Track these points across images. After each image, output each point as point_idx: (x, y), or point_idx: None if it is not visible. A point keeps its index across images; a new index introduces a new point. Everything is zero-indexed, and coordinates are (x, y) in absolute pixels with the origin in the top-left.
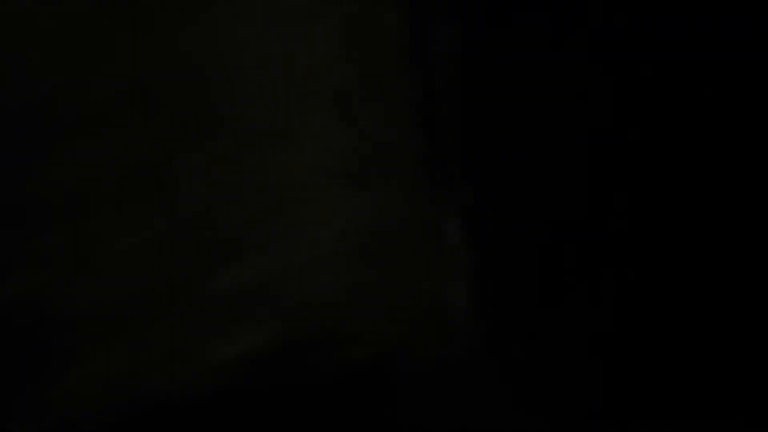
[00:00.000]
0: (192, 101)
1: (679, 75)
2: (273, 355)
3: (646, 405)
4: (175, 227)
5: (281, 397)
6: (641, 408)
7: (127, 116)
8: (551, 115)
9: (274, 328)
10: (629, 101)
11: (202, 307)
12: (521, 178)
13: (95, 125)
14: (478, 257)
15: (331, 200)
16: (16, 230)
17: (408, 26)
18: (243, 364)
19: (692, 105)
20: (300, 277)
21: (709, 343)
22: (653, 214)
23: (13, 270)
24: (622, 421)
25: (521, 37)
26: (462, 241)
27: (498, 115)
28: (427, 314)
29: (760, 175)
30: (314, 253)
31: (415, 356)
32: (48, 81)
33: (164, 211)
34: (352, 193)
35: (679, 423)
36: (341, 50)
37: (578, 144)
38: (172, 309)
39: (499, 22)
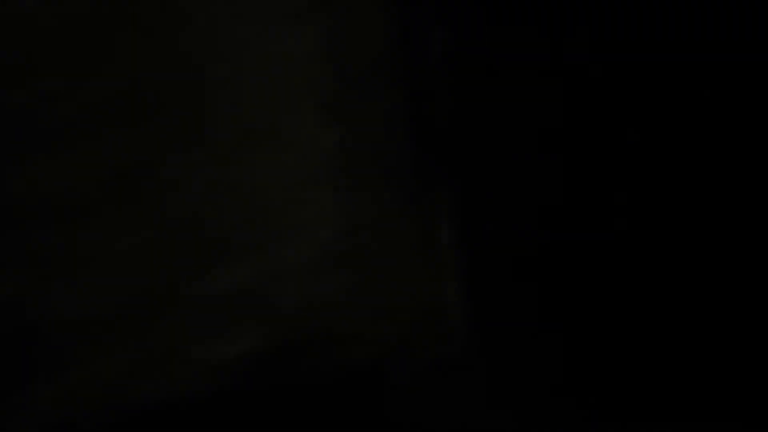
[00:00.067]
0: (183, 103)
1: (666, 73)
2: (269, 356)
3: (646, 405)
4: (170, 228)
5: (278, 398)
6: (641, 408)
7: (118, 118)
8: (539, 116)
9: (270, 329)
10: (620, 102)
11: (199, 307)
12: (511, 179)
13: (84, 128)
14: (468, 257)
15: (324, 201)
16: (11, 231)
17: (397, 27)
18: (240, 364)
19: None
20: (295, 278)
21: (709, 343)
22: (648, 212)
23: (8, 270)
24: (622, 421)
25: (512, 38)
26: (452, 242)
27: (488, 115)
28: (420, 314)
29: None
30: (308, 254)
31: (411, 356)
32: (38, 82)
33: (159, 212)
34: (344, 194)
35: (679, 423)
36: (331, 51)
37: (568, 144)
38: (168, 310)
39: (490, 24)
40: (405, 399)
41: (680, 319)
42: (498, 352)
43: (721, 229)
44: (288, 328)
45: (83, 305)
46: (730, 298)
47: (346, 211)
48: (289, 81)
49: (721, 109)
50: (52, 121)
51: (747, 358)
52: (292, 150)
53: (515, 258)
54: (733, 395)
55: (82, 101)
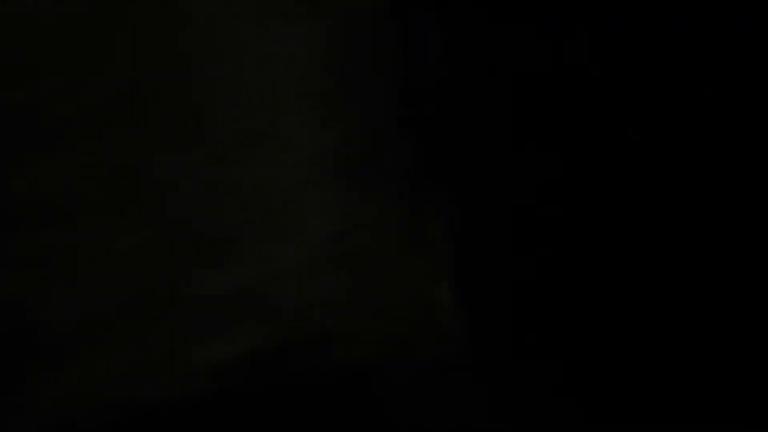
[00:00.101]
0: (182, 103)
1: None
2: (268, 356)
3: (646, 405)
4: (169, 228)
5: (277, 398)
6: (641, 408)
7: (117, 119)
8: (537, 117)
9: (269, 329)
10: (620, 102)
11: (198, 307)
12: (508, 178)
13: (82, 128)
14: (464, 257)
15: (322, 201)
16: (10, 231)
17: (396, 28)
18: (239, 364)
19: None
20: (293, 279)
21: (709, 344)
22: (647, 212)
23: (8, 270)
24: (622, 421)
25: (508, 39)
26: (448, 241)
27: (486, 116)
28: (417, 314)
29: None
30: (307, 254)
31: (409, 356)
32: (38, 82)
33: (158, 213)
34: (343, 195)
35: (679, 423)
36: (329, 51)
37: (567, 145)
38: (167, 310)
39: (490, 24)
40: (404, 399)
41: (680, 319)
42: (495, 352)
43: (721, 229)
44: (286, 328)
45: (82, 305)
46: (730, 298)
47: (345, 211)
48: (288, 81)
49: (721, 109)
50: (52, 121)
51: (747, 358)
52: (291, 150)
53: (511, 258)
54: (733, 395)
55: (82, 101)
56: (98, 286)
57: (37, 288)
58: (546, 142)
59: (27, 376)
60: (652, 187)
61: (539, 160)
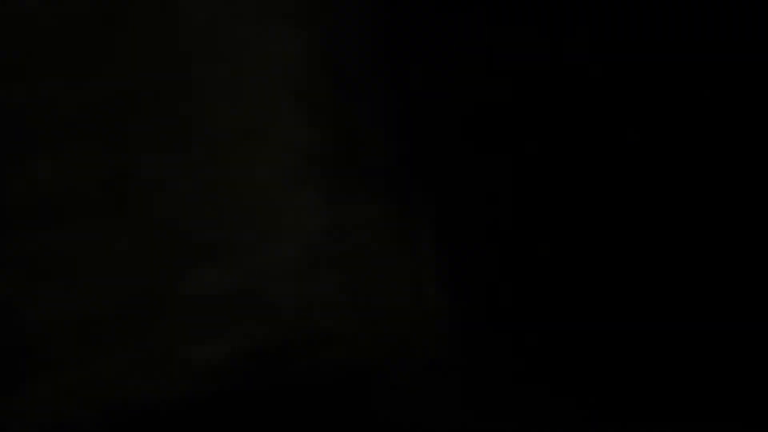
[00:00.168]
0: (174, 104)
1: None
2: (265, 356)
3: (646, 405)
4: (165, 229)
5: (275, 398)
6: (641, 408)
7: (108, 120)
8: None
9: (266, 330)
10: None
11: (195, 308)
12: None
13: (61, 133)
14: (447, 259)
15: (314, 201)
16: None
17: (382, 25)
18: (237, 364)
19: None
20: (287, 279)
21: (709, 344)
22: (647, 212)
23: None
24: (622, 421)
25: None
26: (432, 244)
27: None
28: (407, 314)
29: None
30: (302, 254)
31: (405, 357)
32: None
33: (152, 213)
34: (333, 195)
35: (679, 423)
36: (310, 52)
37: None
38: (164, 311)
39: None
40: (402, 399)
41: (680, 319)
42: (489, 351)
43: (721, 229)
44: (284, 327)
45: (80, 305)
46: (729, 298)
47: (337, 211)
48: (281, 82)
49: (721, 109)
50: (50, 121)
51: (747, 358)
52: (285, 150)
53: (500, 259)
54: (733, 395)
55: (80, 102)
56: (96, 286)
57: (34, 288)
58: (546, 142)
59: (26, 376)
60: (651, 187)
61: (538, 160)
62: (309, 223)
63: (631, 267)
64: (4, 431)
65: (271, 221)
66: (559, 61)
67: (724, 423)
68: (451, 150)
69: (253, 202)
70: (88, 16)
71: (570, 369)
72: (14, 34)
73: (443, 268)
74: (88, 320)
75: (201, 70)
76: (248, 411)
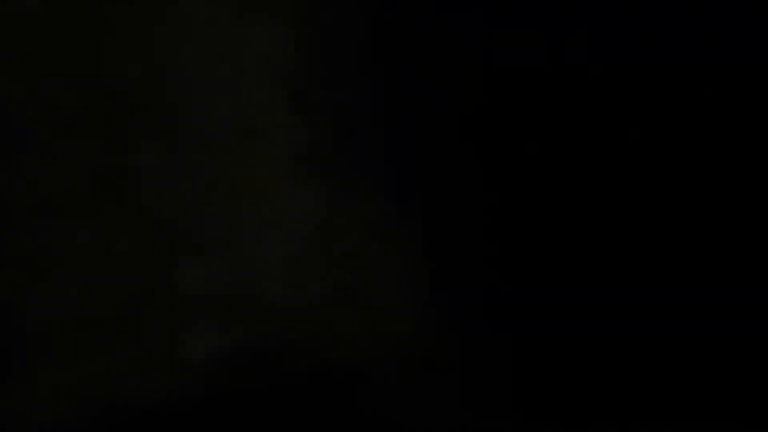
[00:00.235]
0: (152, 101)
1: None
2: (256, 357)
3: (646, 405)
4: (158, 228)
5: (265, 398)
6: (641, 408)
7: (86, 117)
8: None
9: (259, 330)
10: (620, 103)
11: (187, 308)
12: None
13: (52, 128)
14: (447, 259)
15: (307, 204)
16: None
17: (379, 24)
18: (227, 365)
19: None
20: (276, 279)
21: (709, 344)
22: (646, 211)
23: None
24: (622, 421)
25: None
26: (432, 244)
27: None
28: (403, 316)
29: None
30: (291, 253)
31: (396, 357)
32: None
33: (146, 213)
34: (324, 193)
35: (679, 423)
36: (305, 50)
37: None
38: (156, 310)
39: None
40: (402, 399)
41: (680, 319)
42: (492, 352)
43: (721, 229)
44: (279, 328)
45: (79, 305)
46: (729, 298)
47: (336, 211)
48: (255, 78)
49: (721, 109)
50: (48, 120)
51: (747, 358)
52: (257, 149)
53: (500, 258)
54: (733, 395)
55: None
56: (95, 286)
57: (34, 288)
58: (545, 142)
59: (24, 375)
60: (650, 187)
61: (537, 161)
62: (308, 223)
63: (631, 266)
64: (4, 431)
65: (270, 221)
66: (559, 61)
67: (724, 423)
68: (450, 149)
69: (251, 200)
70: (87, 15)
71: (570, 369)
72: (14, 33)
73: (443, 267)
74: (87, 320)
75: (185, 67)
76: (247, 411)
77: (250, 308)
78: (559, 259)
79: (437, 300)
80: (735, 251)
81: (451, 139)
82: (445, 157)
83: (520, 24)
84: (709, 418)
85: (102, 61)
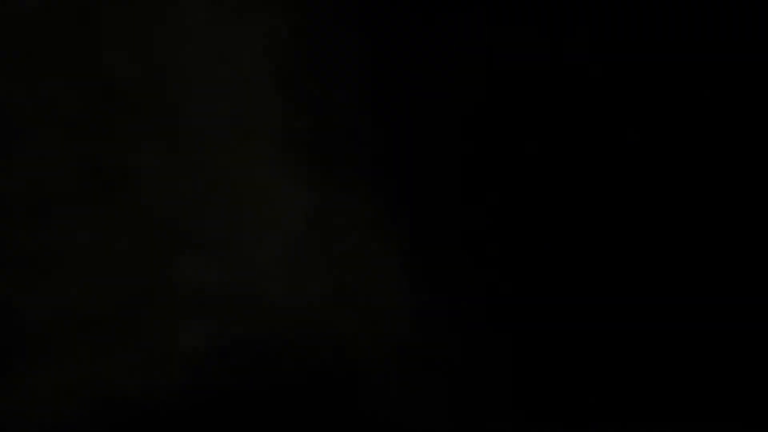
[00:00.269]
0: (152, 101)
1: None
2: (255, 356)
3: (646, 405)
4: (155, 226)
5: (265, 398)
6: (641, 408)
7: (86, 117)
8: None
9: (258, 329)
10: (620, 102)
11: (176, 308)
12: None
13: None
14: (447, 259)
15: (307, 204)
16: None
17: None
18: (227, 364)
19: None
20: (280, 280)
21: (708, 344)
22: (645, 210)
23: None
24: (622, 421)
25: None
26: (431, 244)
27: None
28: (402, 315)
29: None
30: (285, 251)
31: (395, 357)
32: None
33: (141, 211)
34: (327, 197)
35: (679, 423)
36: (299, 46)
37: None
38: (143, 311)
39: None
40: (401, 399)
41: (680, 319)
42: (491, 352)
43: (721, 229)
44: (278, 327)
45: (79, 304)
46: (730, 299)
47: (336, 211)
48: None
49: (721, 109)
50: (49, 120)
51: (747, 358)
52: (273, 148)
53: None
54: (733, 395)
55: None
56: (90, 285)
57: (31, 287)
58: (545, 142)
59: (24, 375)
60: (649, 187)
61: (537, 161)
62: (308, 223)
63: (631, 267)
64: (4, 431)
65: (270, 221)
66: (559, 61)
67: (724, 423)
68: (450, 149)
69: (251, 200)
70: (86, 16)
71: (569, 369)
72: (14, 33)
73: (443, 267)
74: (87, 320)
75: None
76: (247, 410)
77: (249, 308)
78: (559, 259)
79: (437, 300)
80: (735, 251)
81: (451, 139)
82: (445, 157)
83: (520, 24)
84: (709, 418)
85: (102, 61)
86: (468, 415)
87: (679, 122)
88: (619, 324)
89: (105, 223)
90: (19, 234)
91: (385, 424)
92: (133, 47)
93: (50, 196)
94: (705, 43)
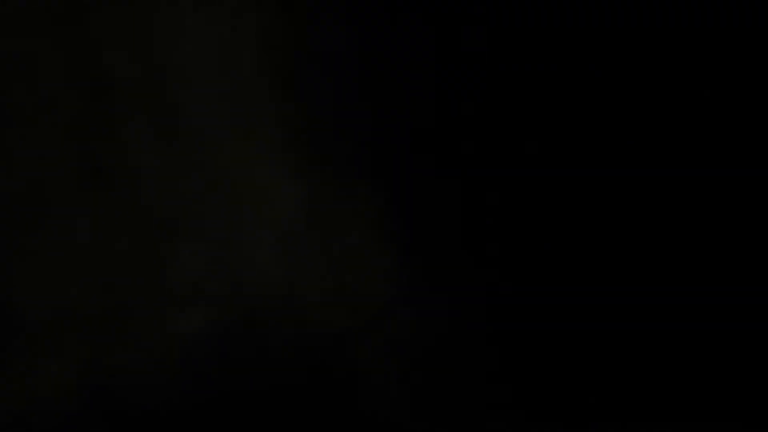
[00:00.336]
0: (152, 101)
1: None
2: (255, 356)
3: (646, 405)
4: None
5: (264, 397)
6: (641, 408)
7: (86, 117)
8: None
9: (258, 329)
10: (618, 102)
11: (176, 307)
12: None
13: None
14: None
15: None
16: None
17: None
18: (211, 366)
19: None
20: (280, 280)
21: (708, 344)
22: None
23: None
24: (622, 421)
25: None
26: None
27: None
28: (402, 315)
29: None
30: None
31: (395, 356)
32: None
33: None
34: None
35: (679, 423)
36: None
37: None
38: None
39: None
40: (401, 399)
41: (679, 319)
42: (490, 352)
43: (721, 229)
44: (278, 326)
45: (70, 305)
46: (730, 299)
47: (336, 211)
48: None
49: (721, 109)
50: (49, 120)
51: (747, 358)
52: (273, 148)
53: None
54: (733, 395)
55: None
56: (90, 285)
57: (31, 287)
58: (545, 142)
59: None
60: (649, 187)
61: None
62: (308, 223)
63: (631, 267)
64: (3, 429)
65: (270, 220)
66: (559, 61)
67: (724, 423)
68: (450, 149)
69: (251, 200)
70: (87, 16)
71: (569, 369)
72: (14, 33)
73: (443, 267)
74: (87, 319)
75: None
76: (247, 410)
77: (249, 307)
78: (559, 259)
79: (437, 300)
80: (735, 251)
81: (452, 139)
82: (445, 157)
83: (519, 24)
84: (709, 418)
85: (102, 61)
86: (468, 415)
87: (678, 122)
88: (619, 324)
89: (105, 222)
90: (20, 234)
91: (385, 424)
92: (133, 47)
93: (51, 197)
94: (705, 42)
